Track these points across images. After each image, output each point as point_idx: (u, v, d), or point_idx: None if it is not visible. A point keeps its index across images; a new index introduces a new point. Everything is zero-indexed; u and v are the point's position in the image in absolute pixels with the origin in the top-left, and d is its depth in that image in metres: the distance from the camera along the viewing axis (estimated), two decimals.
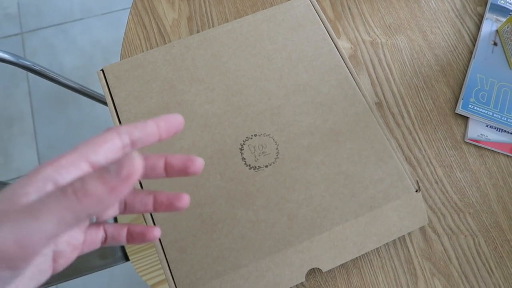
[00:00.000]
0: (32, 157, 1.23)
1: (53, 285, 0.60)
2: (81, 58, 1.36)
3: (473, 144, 0.48)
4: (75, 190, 0.17)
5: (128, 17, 0.53)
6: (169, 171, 0.24)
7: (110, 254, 0.70)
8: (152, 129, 0.22)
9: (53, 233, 0.17)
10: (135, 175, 0.18)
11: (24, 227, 0.17)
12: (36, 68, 0.60)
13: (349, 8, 0.55)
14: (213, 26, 0.53)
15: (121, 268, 1.09)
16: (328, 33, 0.48)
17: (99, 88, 1.18)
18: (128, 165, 0.17)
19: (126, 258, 0.72)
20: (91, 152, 0.20)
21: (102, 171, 0.18)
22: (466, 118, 0.49)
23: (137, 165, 0.18)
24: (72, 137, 1.26)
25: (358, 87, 0.45)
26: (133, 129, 0.22)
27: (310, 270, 0.42)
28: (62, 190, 0.17)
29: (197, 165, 0.23)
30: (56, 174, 0.19)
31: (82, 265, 0.65)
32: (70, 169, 0.20)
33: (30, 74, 1.35)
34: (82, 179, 0.18)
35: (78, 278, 0.65)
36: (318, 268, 0.40)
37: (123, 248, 0.72)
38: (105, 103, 0.80)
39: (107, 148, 0.21)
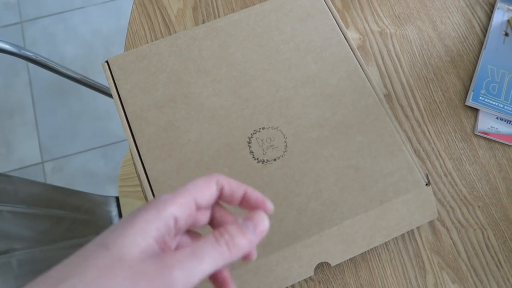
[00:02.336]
0: (33, 147, 1.23)
1: None
2: (82, 48, 1.34)
3: (483, 137, 0.48)
4: (227, 242, 0.22)
5: (132, 7, 0.52)
6: (244, 204, 0.27)
7: None
8: (239, 191, 0.26)
9: (207, 273, 0.22)
10: (265, 232, 0.24)
11: (192, 270, 0.21)
12: (38, 59, 0.60)
13: None
14: (218, 16, 0.52)
15: None
16: (337, 23, 0.47)
17: (100, 78, 1.17)
18: (261, 225, 0.24)
19: None
20: (199, 197, 0.24)
21: (243, 227, 0.23)
22: (476, 110, 0.49)
23: (267, 224, 0.24)
24: (74, 128, 1.25)
25: (367, 78, 0.44)
26: (225, 182, 0.26)
27: (319, 264, 0.42)
28: (216, 240, 0.22)
29: (268, 210, 0.27)
30: (177, 212, 0.23)
31: None
32: (186, 208, 0.24)
33: (31, 64, 1.33)
34: (229, 233, 0.23)
35: None
36: (327, 262, 0.40)
37: None
38: (106, 94, 0.79)
39: (209, 193, 0.25)
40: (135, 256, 0.21)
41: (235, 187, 0.26)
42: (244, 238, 0.23)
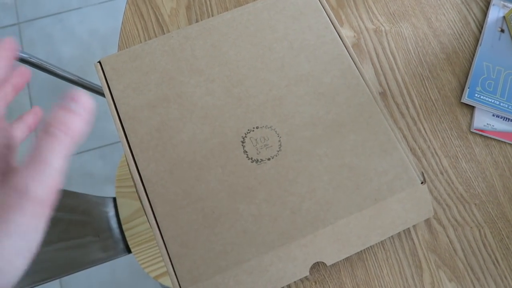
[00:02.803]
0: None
1: (56, 279, 0.60)
2: (79, 48, 1.34)
3: (479, 134, 0.47)
4: (62, 130, 0.20)
5: (125, 7, 0.52)
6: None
7: (112, 247, 0.70)
8: None
9: (62, 167, 0.20)
10: (90, 106, 0.22)
11: (47, 176, 0.19)
12: (33, 60, 0.59)
13: None
14: (212, 15, 0.52)
15: (123, 261, 1.09)
16: (331, 21, 0.46)
17: (97, 79, 1.16)
18: (84, 99, 0.21)
19: (129, 251, 0.72)
20: None
21: (69, 108, 0.21)
22: (472, 108, 0.48)
23: (88, 98, 0.22)
24: None
25: (361, 76, 0.44)
26: None
27: (314, 263, 0.41)
28: (50, 134, 0.20)
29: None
30: None
31: (84, 259, 0.65)
32: None
33: (28, 65, 1.33)
34: (59, 120, 0.20)
35: (81, 272, 0.65)
36: (322, 262, 0.40)
37: (125, 241, 0.72)
38: (103, 95, 0.79)
39: None
40: None
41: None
42: (77, 117, 0.21)
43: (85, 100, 0.21)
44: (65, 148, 0.20)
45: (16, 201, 0.18)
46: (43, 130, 0.20)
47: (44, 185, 0.19)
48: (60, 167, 0.20)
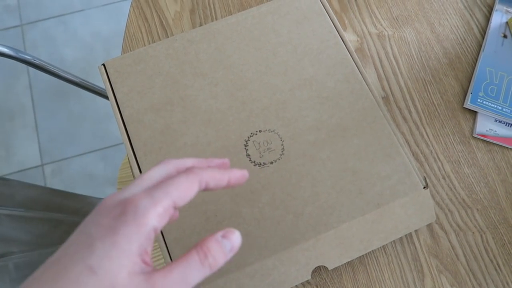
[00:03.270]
0: (33, 150, 1.23)
1: None
2: (82, 50, 1.34)
3: (481, 139, 0.47)
4: (210, 264, 0.23)
5: (130, 10, 0.52)
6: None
7: None
8: (223, 182, 0.26)
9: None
10: (237, 249, 0.25)
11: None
12: (36, 61, 0.60)
13: (355, 0, 0.53)
14: (216, 19, 0.52)
15: None
16: (334, 25, 0.47)
17: (100, 81, 1.16)
18: (237, 245, 0.25)
19: None
20: (179, 200, 0.24)
21: (223, 248, 0.24)
22: (474, 113, 0.48)
23: (240, 243, 0.25)
24: (73, 130, 1.25)
25: (365, 81, 0.44)
26: (211, 180, 0.26)
27: (316, 268, 0.42)
28: (202, 263, 0.23)
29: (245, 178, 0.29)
30: (157, 223, 0.23)
31: None
32: (166, 216, 0.23)
33: (31, 67, 1.34)
34: (212, 255, 0.23)
35: None
36: (324, 266, 0.40)
37: None
38: (106, 97, 0.79)
39: (190, 196, 0.24)
40: (125, 280, 0.21)
41: (220, 180, 0.26)
42: (224, 258, 0.24)
43: (237, 246, 0.25)
44: (202, 278, 0.23)
45: None
46: (199, 256, 0.23)
47: None
48: (183, 283, 0.22)
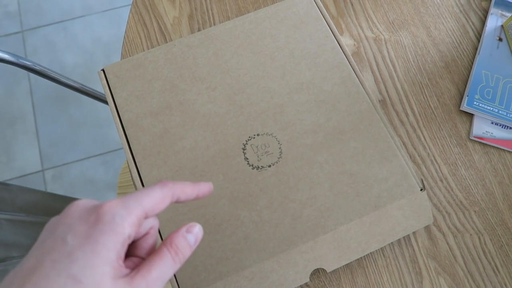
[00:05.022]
0: (34, 155, 1.24)
1: None
2: (82, 56, 1.35)
3: (478, 142, 0.48)
4: (180, 259, 0.25)
5: (129, 16, 0.53)
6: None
7: None
8: (192, 196, 0.28)
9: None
10: (200, 241, 0.28)
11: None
12: (36, 67, 0.60)
13: (352, 5, 0.54)
14: (214, 24, 0.53)
15: None
16: (331, 30, 0.47)
17: (100, 86, 1.17)
18: (199, 237, 0.27)
19: None
20: (151, 212, 0.25)
21: (189, 242, 0.26)
22: (471, 115, 0.49)
23: (202, 235, 0.27)
24: (74, 135, 1.26)
25: (361, 84, 0.45)
26: (182, 194, 0.27)
27: (314, 270, 0.42)
28: (173, 259, 0.25)
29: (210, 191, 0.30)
30: (132, 232, 0.24)
31: None
32: (138, 225, 0.24)
33: (31, 73, 1.35)
34: (181, 251, 0.25)
35: None
36: (323, 268, 0.40)
37: None
38: (106, 102, 0.79)
39: (161, 208, 0.26)
40: (110, 285, 0.22)
41: (190, 194, 0.28)
42: (190, 251, 0.26)
43: (200, 238, 0.27)
44: (173, 272, 0.25)
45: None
46: (171, 254, 0.25)
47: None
48: (160, 280, 0.24)
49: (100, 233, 0.22)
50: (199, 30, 0.52)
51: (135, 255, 0.27)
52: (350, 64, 0.46)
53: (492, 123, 0.48)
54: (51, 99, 1.30)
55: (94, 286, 0.21)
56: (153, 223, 0.28)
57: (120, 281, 0.22)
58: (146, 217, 0.25)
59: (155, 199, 0.25)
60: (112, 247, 0.22)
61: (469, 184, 0.46)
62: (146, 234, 0.27)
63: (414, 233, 0.44)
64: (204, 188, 0.29)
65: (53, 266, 0.21)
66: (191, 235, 0.26)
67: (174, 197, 0.27)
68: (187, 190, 0.28)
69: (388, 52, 0.52)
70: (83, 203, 0.24)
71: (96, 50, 1.36)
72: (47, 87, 1.31)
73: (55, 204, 0.69)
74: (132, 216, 0.23)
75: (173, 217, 0.40)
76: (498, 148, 0.48)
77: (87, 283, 0.21)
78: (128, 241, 0.24)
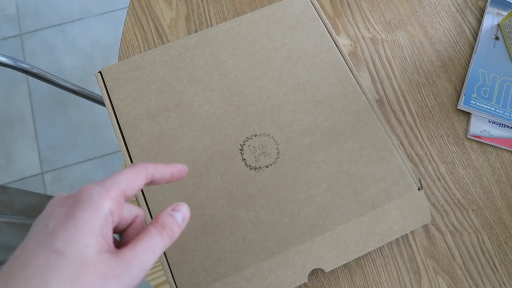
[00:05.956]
0: (33, 158, 1.24)
1: None
2: (81, 58, 1.35)
3: (475, 140, 0.48)
4: (168, 234, 0.25)
5: (126, 18, 0.53)
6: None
7: None
8: (167, 174, 0.29)
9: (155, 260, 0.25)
10: (188, 219, 0.28)
11: (147, 262, 0.24)
12: (34, 70, 0.60)
13: (349, 5, 0.54)
14: (211, 25, 0.53)
15: None
16: (328, 30, 0.47)
17: (99, 89, 1.17)
18: (187, 215, 0.27)
19: None
20: (128, 189, 0.25)
21: (177, 219, 0.26)
22: (468, 114, 0.49)
23: (189, 214, 0.28)
24: (73, 138, 1.26)
25: (358, 84, 0.45)
26: (156, 172, 0.28)
27: (313, 270, 0.42)
28: (161, 234, 0.25)
29: (186, 173, 0.31)
30: (112, 207, 0.24)
31: None
32: (118, 202, 0.25)
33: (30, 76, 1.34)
34: (169, 226, 0.26)
35: None
36: (321, 269, 0.40)
37: None
38: (104, 104, 0.79)
39: (137, 186, 0.26)
40: (95, 257, 0.21)
41: (163, 172, 0.28)
42: (179, 228, 0.26)
43: (187, 216, 0.27)
44: (164, 248, 0.25)
45: (121, 271, 0.22)
46: (158, 229, 0.25)
47: (142, 269, 0.23)
48: (154, 261, 0.24)
49: (79, 210, 0.22)
50: (196, 31, 0.52)
51: (125, 244, 0.27)
52: (347, 64, 0.46)
53: (489, 121, 0.48)
54: (50, 102, 1.30)
55: (77, 257, 0.21)
56: (138, 212, 0.28)
57: (106, 254, 0.22)
58: (125, 194, 0.25)
59: (129, 176, 0.25)
60: (93, 221, 0.22)
61: (467, 183, 0.46)
62: (133, 223, 0.27)
63: (412, 232, 0.44)
64: (177, 167, 0.29)
65: (36, 246, 0.21)
66: (178, 213, 0.27)
67: (148, 175, 0.27)
68: (160, 168, 0.28)
69: (385, 51, 0.52)
70: (62, 195, 0.25)
71: (95, 53, 1.36)
72: (46, 90, 1.31)
73: None
74: (109, 192, 0.24)
75: None
76: (495, 146, 0.48)
77: (70, 255, 0.21)
78: (111, 219, 0.24)
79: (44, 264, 0.20)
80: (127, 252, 0.23)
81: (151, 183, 0.28)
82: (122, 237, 0.27)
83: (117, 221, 0.25)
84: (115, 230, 0.27)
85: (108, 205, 0.23)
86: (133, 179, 0.26)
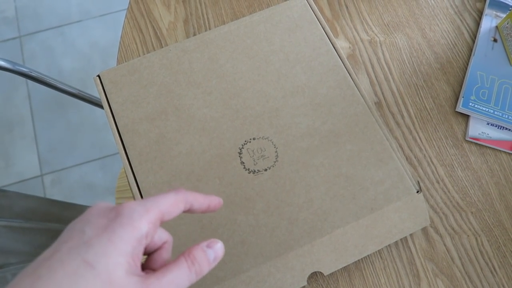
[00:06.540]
0: (33, 160, 1.23)
1: None
2: (80, 61, 1.35)
3: (474, 143, 0.48)
4: (196, 271, 0.25)
5: (124, 21, 0.53)
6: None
7: None
8: (204, 206, 0.29)
9: None
10: (220, 259, 0.27)
11: None
12: (33, 74, 0.60)
13: (347, 7, 0.54)
14: (209, 28, 0.53)
15: None
16: (326, 33, 0.47)
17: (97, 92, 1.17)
18: (220, 255, 0.27)
19: None
20: (166, 214, 0.25)
21: (208, 257, 0.26)
22: (466, 116, 0.49)
23: (223, 253, 0.27)
24: (72, 140, 1.26)
25: (356, 87, 0.45)
26: (195, 201, 0.28)
27: (312, 273, 0.42)
28: (189, 269, 0.25)
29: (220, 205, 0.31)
30: (149, 230, 0.24)
31: None
32: (155, 225, 0.25)
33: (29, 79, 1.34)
34: (198, 262, 0.25)
35: None
36: (320, 272, 0.40)
37: None
38: (102, 106, 0.79)
39: (176, 212, 0.26)
40: (122, 278, 0.22)
41: (202, 203, 0.28)
42: (208, 266, 0.26)
43: (220, 256, 0.27)
44: (189, 284, 0.25)
45: None
46: (187, 263, 0.25)
47: None
48: (173, 285, 0.24)
49: (118, 225, 0.23)
50: (194, 34, 0.52)
51: (150, 267, 0.27)
52: (345, 67, 0.46)
53: (488, 124, 0.48)
54: (49, 104, 1.30)
55: (106, 274, 0.21)
56: (167, 238, 0.28)
57: (133, 277, 0.22)
58: (163, 219, 0.25)
59: (171, 201, 0.26)
60: (128, 240, 0.22)
61: (466, 185, 0.46)
62: (160, 248, 0.27)
63: (411, 235, 0.44)
64: (215, 200, 0.30)
65: (69, 251, 0.21)
66: (211, 250, 0.27)
67: (187, 203, 0.27)
68: (199, 199, 0.28)
69: (383, 54, 0.52)
70: (103, 204, 0.25)
71: (94, 55, 1.36)
72: (45, 92, 1.31)
73: (53, 210, 0.69)
74: (149, 214, 0.24)
75: (169, 222, 0.40)
76: (494, 149, 0.48)
77: (99, 269, 0.21)
78: (145, 241, 0.24)
79: (73, 272, 0.21)
80: (153, 281, 0.23)
81: (187, 211, 0.28)
82: (147, 260, 0.27)
83: (148, 243, 0.25)
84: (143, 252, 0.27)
85: (145, 227, 0.23)
86: (173, 205, 0.26)
